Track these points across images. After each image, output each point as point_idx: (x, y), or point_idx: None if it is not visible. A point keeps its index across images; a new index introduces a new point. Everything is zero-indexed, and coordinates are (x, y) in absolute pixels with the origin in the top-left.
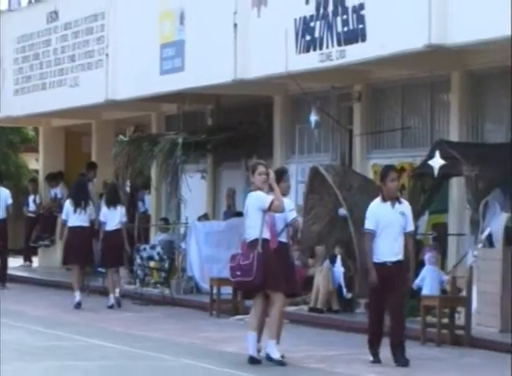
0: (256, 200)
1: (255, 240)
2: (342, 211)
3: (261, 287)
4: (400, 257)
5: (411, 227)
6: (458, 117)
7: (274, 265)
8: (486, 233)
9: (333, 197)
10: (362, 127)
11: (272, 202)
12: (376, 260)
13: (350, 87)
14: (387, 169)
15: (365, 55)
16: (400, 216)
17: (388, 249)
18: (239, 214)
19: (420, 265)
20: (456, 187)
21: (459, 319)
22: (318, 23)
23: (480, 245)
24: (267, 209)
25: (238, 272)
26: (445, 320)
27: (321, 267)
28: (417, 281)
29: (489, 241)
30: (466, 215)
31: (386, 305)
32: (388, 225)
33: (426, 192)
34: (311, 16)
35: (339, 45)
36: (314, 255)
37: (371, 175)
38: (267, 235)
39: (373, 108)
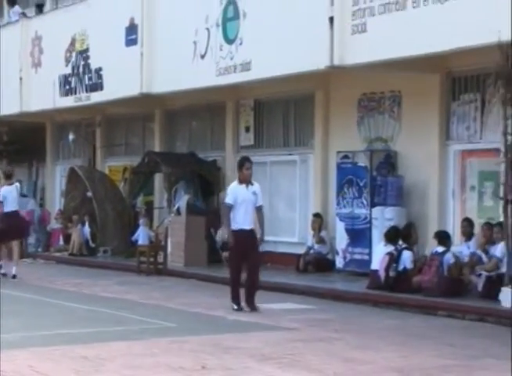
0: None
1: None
2: (89, 194)
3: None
4: (252, 226)
5: (260, 203)
6: (159, 136)
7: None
8: (176, 207)
9: (83, 185)
10: (101, 142)
11: None
12: (235, 227)
13: (94, 118)
14: (244, 160)
15: (102, 98)
16: (252, 195)
17: (244, 220)
18: (25, 195)
19: (137, 226)
20: (158, 179)
21: (160, 259)
22: (73, 78)
23: (172, 214)
24: None
25: None
26: (152, 259)
27: (76, 228)
28: (135, 236)
29: (178, 212)
30: (163, 196)
31: (245, 262)
32: (243, 201)
33: (140, 182)
34: (69, 74)
35: (86, 92)
36: (72, 221)
37: (107, 172)
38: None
39: (107, 130)
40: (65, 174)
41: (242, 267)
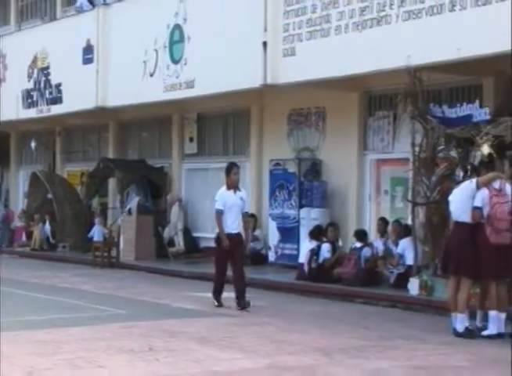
0: None
1: None
2: (49, 196)
3: None
4: (239, 230)
5: (246, 208)
6: (113, 145)
7: None
8: (127, 207)
9: (44, 188)
10: (61, 149)
11: None
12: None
13: (54, 128)
14: (232, 165)
15: (62, 111)
16: (239, 200)
17: (233, 224)
18: None
19: (93, 224)
20: (112, 183)
21: (113, 253)
22: (35, 92)
23: (124, 214)
24: None
25: None
26: (106, 254)
27: (37, 226)
28: (91, 233)
29: (129, 212)
30: (116, 198)
31: (231, 264)
32: (232, 206)
33: (96, 185)
34: (32, 89)
35: (47, 105)
36: (34, 219)
37: (66, 176)
38: None
39: (66, 139)
40: (27, 178)
41: (226, 268)
